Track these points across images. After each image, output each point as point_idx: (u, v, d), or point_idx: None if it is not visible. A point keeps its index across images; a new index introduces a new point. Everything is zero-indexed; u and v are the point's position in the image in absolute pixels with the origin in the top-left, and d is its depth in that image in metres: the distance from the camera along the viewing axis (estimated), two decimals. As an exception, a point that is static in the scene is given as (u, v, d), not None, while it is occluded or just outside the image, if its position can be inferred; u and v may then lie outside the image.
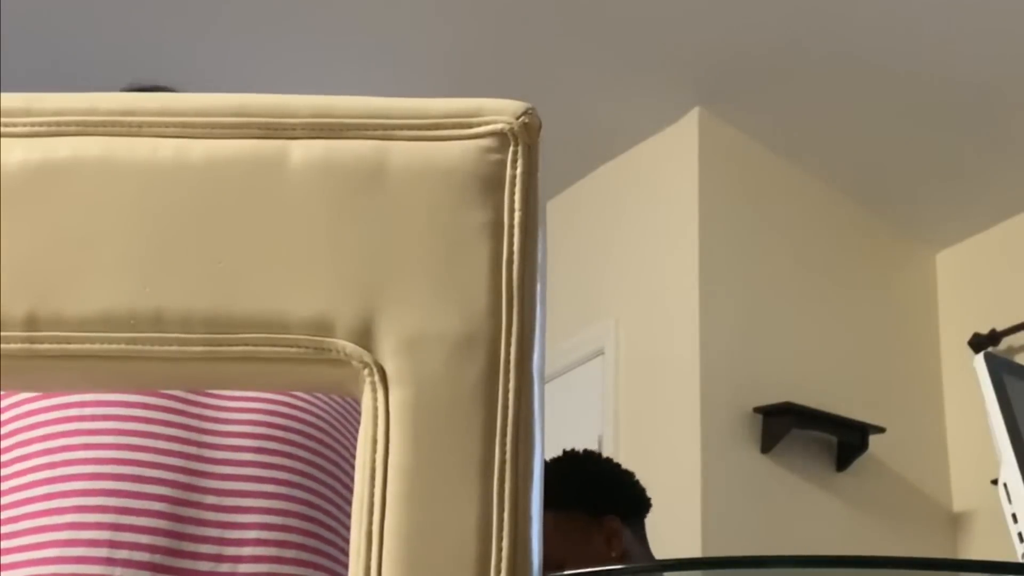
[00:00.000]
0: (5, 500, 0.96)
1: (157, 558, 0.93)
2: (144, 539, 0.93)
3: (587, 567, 2.28)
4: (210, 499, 0.97)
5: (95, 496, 0.95)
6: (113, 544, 0.93)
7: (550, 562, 2.26)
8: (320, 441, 1.03)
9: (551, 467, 2.47)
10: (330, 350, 0.57)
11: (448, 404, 0.57)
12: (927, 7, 3.71)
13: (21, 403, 1.00)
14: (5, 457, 0.98)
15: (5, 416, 0.99)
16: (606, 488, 2.46)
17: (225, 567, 0.95)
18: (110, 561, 0.92)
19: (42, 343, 0.57)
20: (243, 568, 0.95)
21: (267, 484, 0.99)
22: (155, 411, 1.00)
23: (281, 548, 0.97)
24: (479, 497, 0.56)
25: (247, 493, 0.98)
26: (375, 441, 0.57)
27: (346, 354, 0.57)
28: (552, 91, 4.06)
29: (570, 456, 2.51)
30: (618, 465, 2.51)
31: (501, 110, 0.60)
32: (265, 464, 1.00)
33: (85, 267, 0.58)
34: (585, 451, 2.53)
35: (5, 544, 0.94)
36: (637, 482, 2.48)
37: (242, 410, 1.03)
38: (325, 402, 1.06)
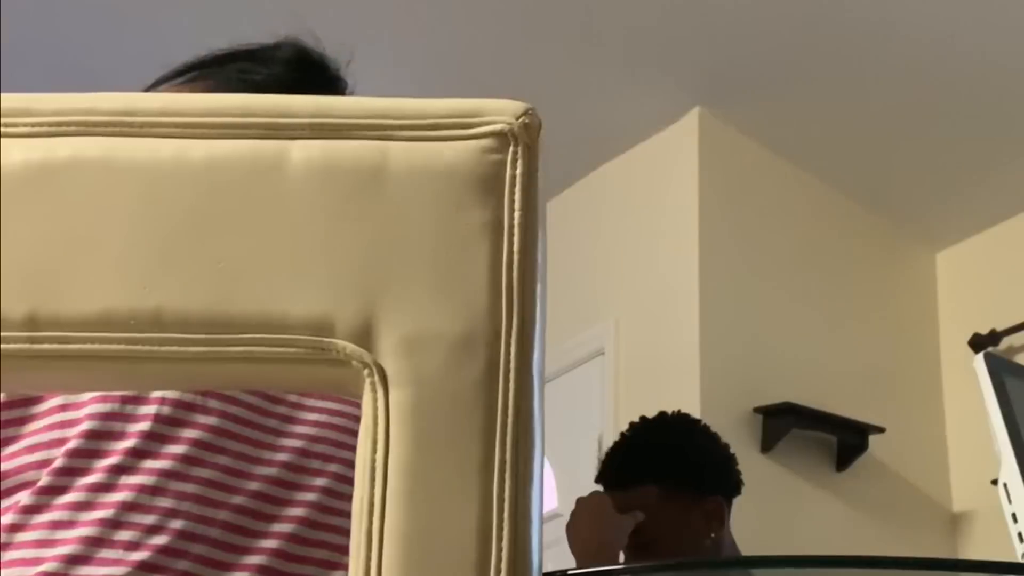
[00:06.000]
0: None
1: (181, 563, 0.94)
2: (164, 540, 0.94)
3: (682, 546, 2.21)
4: (239, 499, 0.98)
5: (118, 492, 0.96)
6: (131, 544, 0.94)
7: (645, 537, 2.21)
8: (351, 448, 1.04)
9: (658, 431, 2.33)
10: (330, 350, 0.57)
11: (448, 404, 0.57)
12: (927, 7, 3.71)
13: (66, 407, 0.99)
14: (54, 451, 0.98)
15: (54, 419, 0.99)
16: (716, 467, 2.32)
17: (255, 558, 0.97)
18: (130, 555, 0.93)
19: (42, 343, 0.57)
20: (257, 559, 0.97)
21: (306, 492, 1.00)
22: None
23: (306, 547, 0.99)
24: (479, 497, 0.56)
25: (282, 501, 0.99)
26: (375, 441, 0.57)
27: (346, 354, 0.57)
28: (552, 91, 4.06)
29: (681, 425, 2.36)
30: (726, 443, 2.37)
31: (501, 110, 0.60)
32: (311, 470, 1.01)
33: (85, 267, 0.58)
34: (696, 421, 2.37)
35: (29, 536, 0.94)
36: (738, 463, 2.34)
37: (305, 422, 1.03)
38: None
